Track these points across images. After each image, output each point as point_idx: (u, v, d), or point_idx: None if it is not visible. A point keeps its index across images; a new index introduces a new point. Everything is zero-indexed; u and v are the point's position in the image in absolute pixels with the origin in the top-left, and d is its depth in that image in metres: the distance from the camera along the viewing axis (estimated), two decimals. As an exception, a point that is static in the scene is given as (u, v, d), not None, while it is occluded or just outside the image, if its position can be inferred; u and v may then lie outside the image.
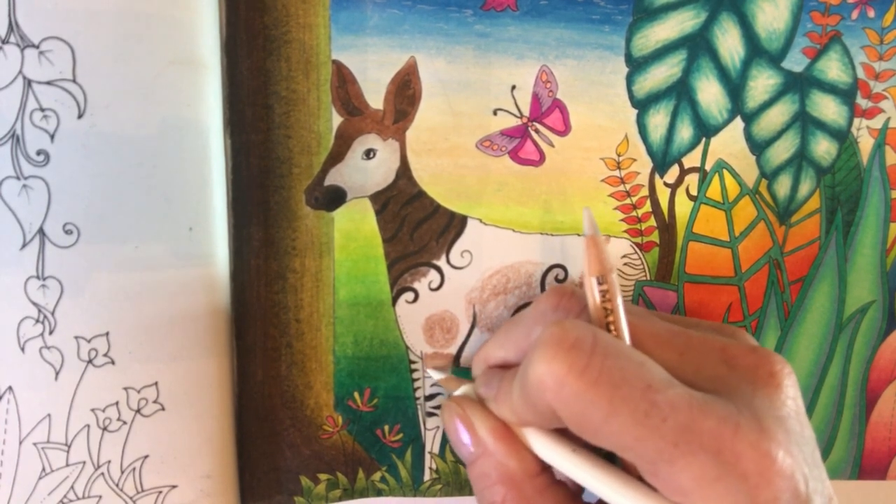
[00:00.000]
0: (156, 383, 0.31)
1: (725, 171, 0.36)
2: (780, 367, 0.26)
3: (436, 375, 0.34)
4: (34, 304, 0.29)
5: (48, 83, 0.29)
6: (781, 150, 0.36)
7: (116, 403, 0.30)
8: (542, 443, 0.27)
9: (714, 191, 0.36)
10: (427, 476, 0.36)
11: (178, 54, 0.30)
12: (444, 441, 0.36)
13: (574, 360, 0.24)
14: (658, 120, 0.35)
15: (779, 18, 0.35)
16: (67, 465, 0.30)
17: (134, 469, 0.31)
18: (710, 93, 0.35)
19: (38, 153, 0.29)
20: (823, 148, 0.36)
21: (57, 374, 0.30)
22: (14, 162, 0.29)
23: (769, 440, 0.23)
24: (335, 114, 0.33)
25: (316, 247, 0.33)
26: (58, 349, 0.30)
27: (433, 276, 0.34)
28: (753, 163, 0.36)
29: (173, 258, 0.31)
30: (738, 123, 0.35)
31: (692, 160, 0.36)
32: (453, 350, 0.35)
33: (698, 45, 0.35)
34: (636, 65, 0.34)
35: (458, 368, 0.35)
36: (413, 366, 0.35)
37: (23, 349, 0.29)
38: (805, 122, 0.36)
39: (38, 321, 0.29)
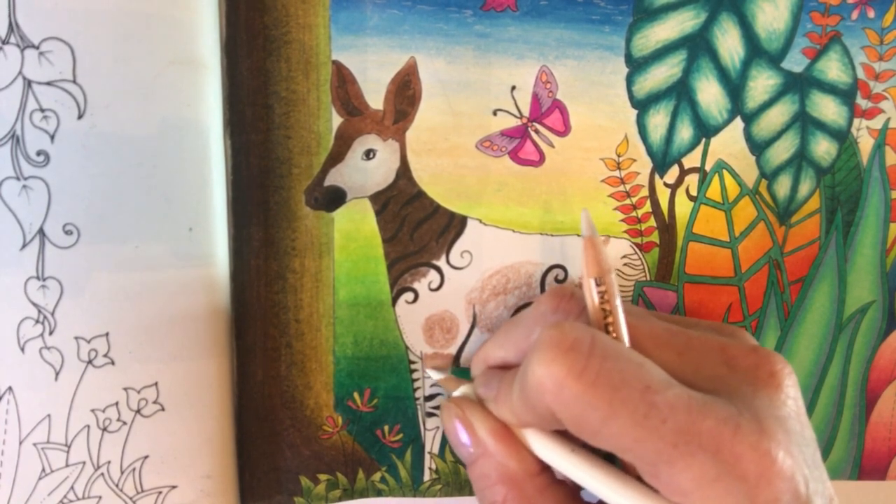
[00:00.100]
0: (156, 383, 0.31)
1: (725, 172, 0.36)
2: (780, 367, 0.26)
3: (435, 376, 0.34)
4: (34, 304, 0.29)
5: (48, 83, 0.29)
6: (781, 151, 0.36)
7: (116, 404, 0.30)
8: (542, 443, 0.27)
9: (714, 191, 0.36)
10: (427, 476, 0.36)
11: (178, 54, 0.30)
12: (444, 441, 0.36)
13: (573, 362, 0.24)
14: (658, 120, 0.35)
15: (779, 19, 0.35)
16: (67, 465, 0.30)
17: (134, 469, 0.31)
18: (710, 93, 0.35)
19: (38, 153, 0.29)
20: (823, 148, 0.36)
21: (57, 374, 0.30)
22: (14, 162, 0.29)
23: (769, 441, 0.23)
24: (335, 114, 0.33)
25: (316, 247, 0.33)
26: (58, 349, 0.30)
27: (433, 276, 0.34)
28: (753, 163, 0.36)
29: (173, 258, 0.31)
30: (738, 124, 0.35)
31: (692, 160, 0.36)
32: (453, 350, 0.35)
33: (698, 46, 0.35)
34: (636, 65, 0.34)
35: (458, 369, 0.35)
36: (413, 366, 0.35)
37: (23, 349, 0.29)
38: (805, 122, 0.36)
39: (38, 321, 0.29)
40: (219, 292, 0.32)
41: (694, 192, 0.36)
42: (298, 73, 0.32)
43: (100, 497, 0.31)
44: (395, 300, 0.34)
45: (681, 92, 0.35)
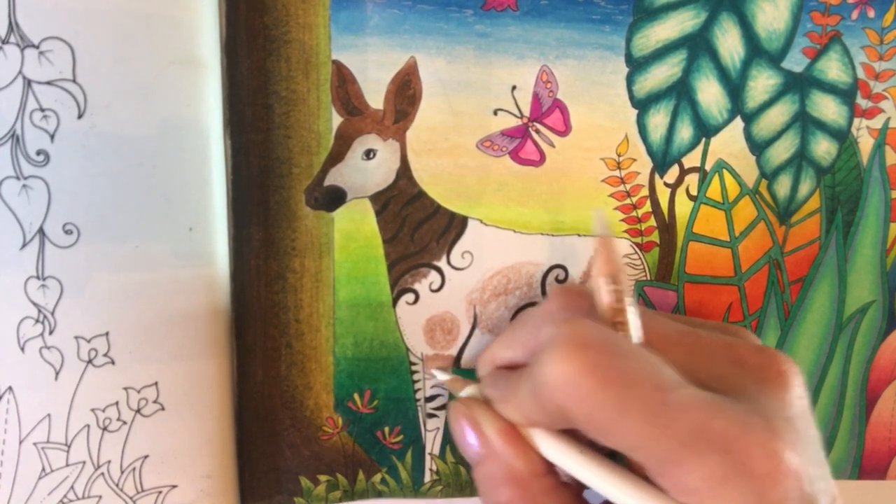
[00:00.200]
0: (156, 383, 0.31)
1: (725, 171, 0.36)
2: (788, 366, 0.26)
3: (441, 377, 0.34)
4: (34, 304, 0.29)
5: (48, 83, 0.29)
6: (781, 150, 0.36)
7: (116, 403, 0.30)
8: (550, 444, 0.27)
9: (714, 191, 0.36)
10: (427, 477, 0.36)
11: (178, 54, 0.30)
12: (445, 442, 0.36)
13: (585, 359, 0.24)
14: (658, 120, 0.35)
15: (779, 18, 0.35)
16: (67, 465, 0.30)
17: (134, 469, 0.31)
18: (710, 93, 0.35)
19: (38, 153, 0.29)
20: (823, 148, 0.36)
21: (57, 374, 0.30)
22: (14, 162, 0.29)
23: (778, 440, 0.23)
24: (335, 114, 0.33)
25: (316, 247, 0.33)
26: (58, 349, 0.30)
27: (434, 277, 0.34)
28: (753, 163, 0.36)
29: (173, 258, 0.31)
30: (738, 123, 0.35)
31: (692, 160, 0.36)
32: (454, 351, 0.35)
33: (698, 45, 0.35)
34: (636, 65, 0.34)
35: (459, 370, 0.35)
36: (413, 367, 0.35)
37: (23, 349, 0.29)
38: (805, 122, 0.36)
39: (38, 321, 0.29)
40: (219, 292, 0.32)
41: (694, 192, 0.36)
42: (298, 72, 0.32)
43: (100, 497, 0.31)
44: (395, 301, 0.34)
45: (681, 92, 0.35)
